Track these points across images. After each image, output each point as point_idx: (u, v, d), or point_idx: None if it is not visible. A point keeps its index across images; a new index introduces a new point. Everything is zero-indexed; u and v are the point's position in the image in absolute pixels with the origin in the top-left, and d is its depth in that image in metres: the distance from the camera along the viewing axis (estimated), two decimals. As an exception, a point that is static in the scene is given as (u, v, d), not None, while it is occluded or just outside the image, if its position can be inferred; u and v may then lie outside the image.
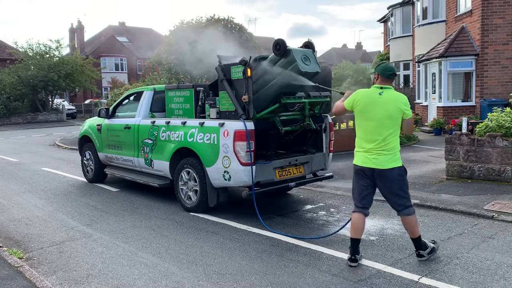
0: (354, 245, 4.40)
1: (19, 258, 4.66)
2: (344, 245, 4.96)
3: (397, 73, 23.58)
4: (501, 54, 15.39)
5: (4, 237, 5.48)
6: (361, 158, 4.37)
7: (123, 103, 8.51)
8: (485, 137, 7.77)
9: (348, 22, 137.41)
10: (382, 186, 4.37)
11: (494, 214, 5.93)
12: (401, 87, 22.90)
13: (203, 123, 6.25)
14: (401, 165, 4.36)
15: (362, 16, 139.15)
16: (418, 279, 4.04)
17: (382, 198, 6.93)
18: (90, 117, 11.33)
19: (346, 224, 5.17)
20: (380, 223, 5.78)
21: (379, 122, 4.26)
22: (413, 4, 21.07)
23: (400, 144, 14.48)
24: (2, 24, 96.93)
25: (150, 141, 7.16)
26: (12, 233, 5.68)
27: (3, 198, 7.70)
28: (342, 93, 4.86)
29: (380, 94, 4.30)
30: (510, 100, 9.71)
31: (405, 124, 4.39)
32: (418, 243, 4.44)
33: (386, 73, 4.38)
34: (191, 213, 6.36)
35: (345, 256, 4.60)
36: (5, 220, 6.29)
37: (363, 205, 4.42)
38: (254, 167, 5.74)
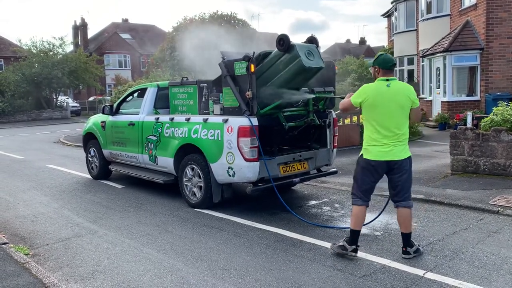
0: (357, 236, 4.45)
1: (25, 254, 4.68)
2: (349, 240, 4.96)
3: (402, 68, 23.53)
4: (506, 48, 15.27)
5: (10, 234, 5.51)
6: (375, 152, 4.31)
7: (127, 100, 8.51)
8: (490, 131, 7.73)
9: (350, 17, 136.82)
10: (395, 177, 4.36)
11: (499, 208, 5.90)
12: (405, 82, 22.84)
13: (207, 119, 6.24)
14: (410, 154, 4.42)
15: (363, 11, 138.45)
16: (423, 274, 4.03)
17: (387, 194, 6.93)
18: (94, 114, 11.36)
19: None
20: (385, 218, 5.77)
21: (392, 114, 4.27)
22: (417, -2, 20.94)
23: (405, 139, 13.97)
24: (5, 22, 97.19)
25: (154, 138, 7.17)
26: (18, 229, 5.72)
27: (9, 195, 7.74)
28: (343, 97, 4.86)
29: (388, 86, 4.30)
30: (515, 94, 9.64)
31: (413, 113, 4.42)
32: (409, 239, 4.46)
33: (387, 64, 4.37)
34: (195, 209, 6.37)
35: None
36: (11, 217, 6.33)
37: (367, 198, 4.49)
38: (267, 161, 5.80)
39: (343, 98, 4.78)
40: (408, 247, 4.44)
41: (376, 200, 6.69)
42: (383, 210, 5.39)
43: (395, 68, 24.10)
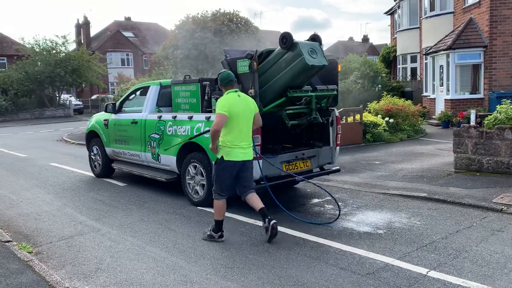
0: (221, 225, 5.02)
1: (29, 252, 4.69)
2: (352, 238, 4.96)
3: (405, 66, 23.43)
4: (510, 46, 15.21)
5: (13, 232, 5.53)
6: (236, 154, 4.87)
7: (130, 98, 8.52)
8: (493, 129, 7.70)
9: (353, 14, 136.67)
10: (243, 174, 5.00)
11: (503, 207, 5.88)
12: (408, 80, 22.75)
13: (209, 117, 6.24)
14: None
15: (366, 9, 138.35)
16: (427, 273, 4.02)
17: (391, 192, 6.91)
18: (97, 112, 11.35)
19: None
20: (388, 216, 5.76)
21: (247, 120, 4.93)
22: (420, -5, 20.86)
23: (408, 137, 14.44)
24: (8, 20, 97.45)
25: (157, 136, 7.17)
26: (21, 227, 5.73)
27: (12, 193, 7.76)
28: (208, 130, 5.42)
29: (239, 96, 4.92)
30: (519, 92, 9.59)
31: (258, 117, 5.09)
32: (266, 212, 4.96)
33: (225, 81, 4.97)
34: (198, 207, 6.37)
35: (353, 250, 4.60)
36: (14, 215, 6.34)
37: (226, 194, 5.01)
38: (269, 159, 5.79)
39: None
40: (266, 218, 4.91)
41: (379, 198, 6.68)
42: (339, 213, 5.67)
43: (398, 66, 24.08)
